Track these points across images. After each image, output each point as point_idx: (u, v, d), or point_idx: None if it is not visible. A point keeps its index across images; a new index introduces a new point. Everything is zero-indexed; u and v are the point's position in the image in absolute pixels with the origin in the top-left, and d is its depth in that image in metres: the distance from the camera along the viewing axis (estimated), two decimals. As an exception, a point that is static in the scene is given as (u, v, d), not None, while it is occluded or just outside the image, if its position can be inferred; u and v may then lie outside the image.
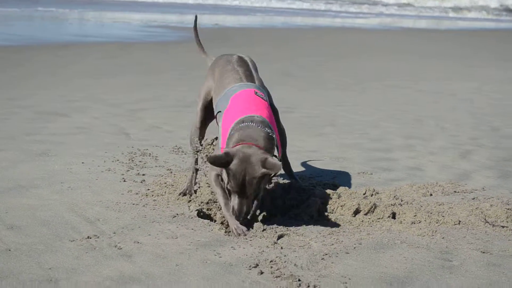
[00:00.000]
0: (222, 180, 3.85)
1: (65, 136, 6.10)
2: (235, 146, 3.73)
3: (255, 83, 4.28)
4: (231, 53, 4.72)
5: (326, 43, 16.13)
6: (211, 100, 4.45)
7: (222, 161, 3.64)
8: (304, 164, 5.48)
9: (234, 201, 3.72)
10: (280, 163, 3.67)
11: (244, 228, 3.74)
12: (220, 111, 4.17)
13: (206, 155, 4.11)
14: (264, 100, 4.11)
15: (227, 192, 3.80)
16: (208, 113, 4.51)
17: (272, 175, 3.73)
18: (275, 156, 3.83)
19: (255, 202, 3.80)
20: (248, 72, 4.36)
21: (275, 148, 3.88)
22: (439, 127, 7.34)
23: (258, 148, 3.71)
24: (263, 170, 3.63)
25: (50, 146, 5.68)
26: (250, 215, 3.79)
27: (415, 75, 11.60)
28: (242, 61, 4.49)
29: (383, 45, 16.52)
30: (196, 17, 5.09)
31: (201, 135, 4.51)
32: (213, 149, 4.10)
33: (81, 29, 16.67)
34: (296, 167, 4.91)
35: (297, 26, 20.35)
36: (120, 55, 12.29)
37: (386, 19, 25.71)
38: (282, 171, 4.72)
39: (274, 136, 3.85)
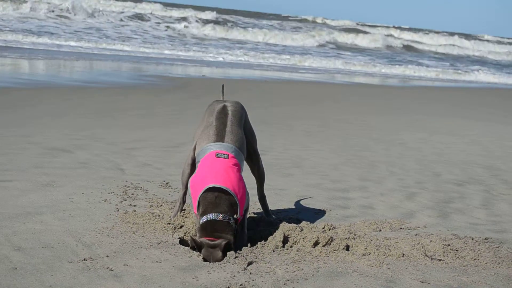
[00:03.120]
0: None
1: (68, 169, 6.12)
2: (203, 238, 3.91)
3: (223, 140, 4.26)
4: (223, 100, 4.69)
5: (296, 94, 16.28)
6: None
7: (197, 247, 3.89)
8: (273, 200, 5.55)
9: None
10: (230, 245, 3.87)
11: None
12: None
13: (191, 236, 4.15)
14: (226, 159, 4.14)
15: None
16: None
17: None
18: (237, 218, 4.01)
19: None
20: (222, 126, 4.33)
21: (234, 213, 4.00)
22: (389, 172, 7.44)
23: (218, 240, 3.87)
24: (222, 254, 3.83)
25: (55, 178, 5.70)
26: None
27: (370, 125, 11.74)
28: (223, 112, 4.43)
29: (343, 98, 16.71)
30: (223, 86, 5.15)
31: (191, 171, 4.50)
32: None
33: (85, 75, 16.70)
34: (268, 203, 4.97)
35: (272, 78, 20.53)
36: (119, 99, 12.32)
37: (347, 76, 26.05)
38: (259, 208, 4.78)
39: (227, 219, 3.93)
